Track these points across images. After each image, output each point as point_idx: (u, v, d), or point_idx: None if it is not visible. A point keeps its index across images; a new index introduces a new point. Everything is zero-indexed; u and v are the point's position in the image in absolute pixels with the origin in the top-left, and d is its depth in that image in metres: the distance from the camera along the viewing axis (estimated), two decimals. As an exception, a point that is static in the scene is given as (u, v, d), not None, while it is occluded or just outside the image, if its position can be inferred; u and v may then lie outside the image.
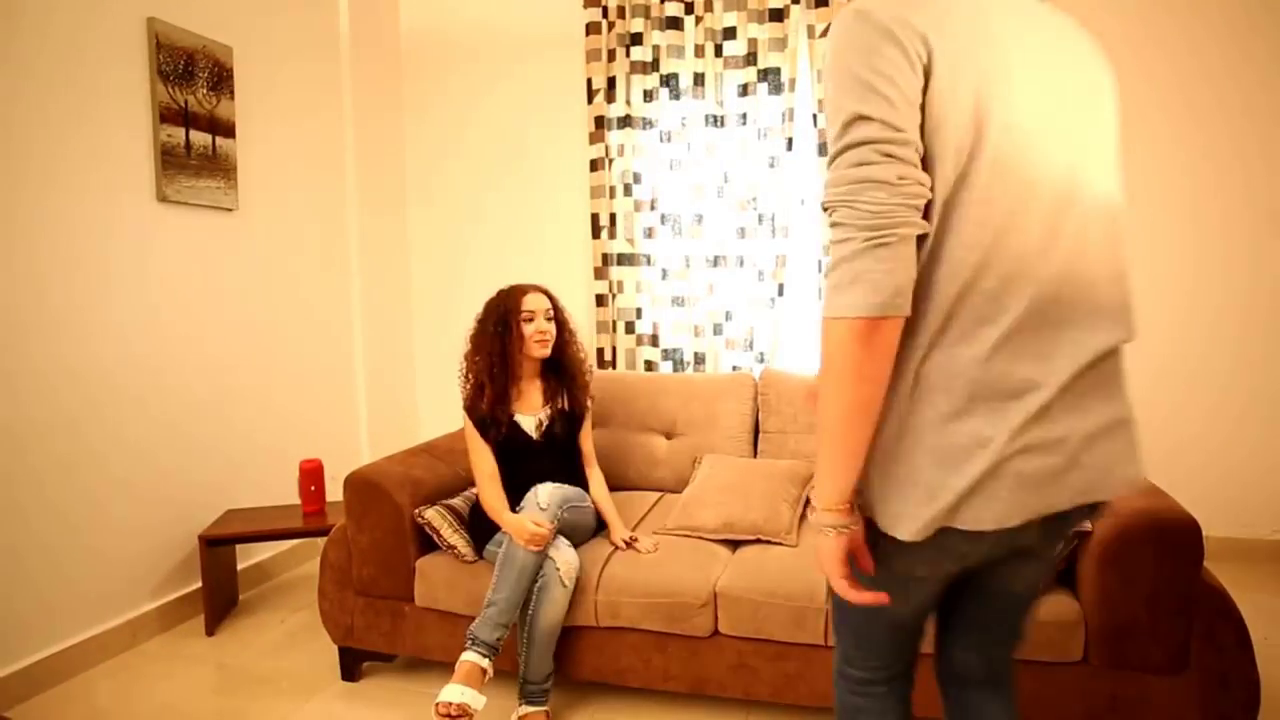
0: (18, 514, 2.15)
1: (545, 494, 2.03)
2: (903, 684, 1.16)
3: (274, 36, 3.02)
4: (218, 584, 2.62)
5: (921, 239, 0.87)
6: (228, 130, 2.78)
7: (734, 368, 3.27)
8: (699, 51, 3.21)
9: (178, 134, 2.58)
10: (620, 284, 3.38)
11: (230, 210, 2.82)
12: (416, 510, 2.15)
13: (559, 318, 2.29)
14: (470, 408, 2.20)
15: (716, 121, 3.21)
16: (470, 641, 1.88)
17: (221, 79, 2.75)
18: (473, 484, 2.30)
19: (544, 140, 3.56)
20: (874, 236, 0.83)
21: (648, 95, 3.28)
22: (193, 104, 2.64)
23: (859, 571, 0.97)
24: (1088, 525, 1.70)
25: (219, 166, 2.74)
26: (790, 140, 3.13)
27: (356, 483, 2.17)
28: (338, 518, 2.41)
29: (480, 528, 2.15)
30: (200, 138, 2.66)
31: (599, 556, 2.08)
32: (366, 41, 3.47)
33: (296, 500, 2.86)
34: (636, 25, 3.25)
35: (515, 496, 2.11)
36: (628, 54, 3.27)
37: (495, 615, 1.89)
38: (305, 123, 3.19)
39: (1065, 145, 0.91)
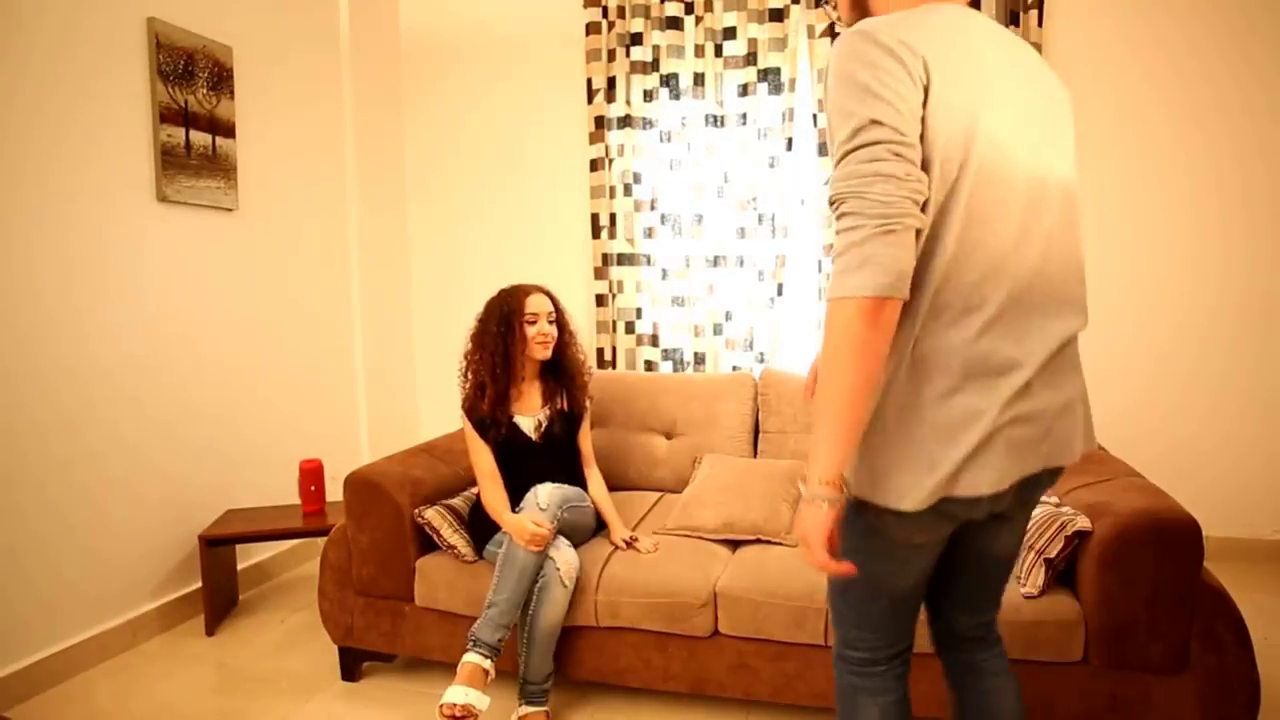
0: (17, 514, 2.15)
1: (545, 494, 2.03)
2: (900, 664, 1.23)
3: (274, 36, 3.02)
4: (218, 584, 2.62)
5: (916, 234, 0.95)
6: (227, 130, 2.77)
7: (734, 368, 3.27)
8: (699, 51, 3.21)
9: (178, 134, 2.58)
10: (620, 284, 3.38)
11: (230, 210, 2.82)
12: (416, 510, 2.15)
13: (560, 319, 2.29)
14: (469, 409, 2.20)
15: (716, 121, 3.21)
16: (472, 643, 1.88)
17: (221, 79, 2.75)
18: (473, 484, 2.30)
19: (544, 140, 3.56)
20: (883, 224, 0.91)
21: (648, 95, 3.28)
22: (193, 104, 2.64)
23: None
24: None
25: (219, 166, 2.74)
26: (790, 140, 3.13)
27: (356, 483, 2.17)
28: (338, 518, 2.42)
29: (480, 528, 2.15)
30: (200, 137, 2.66)
31: (599, 556, 2.08)
32: (366, 41, 3.47)
33: (296, 500, 2.87)
34: (636, 25, 3.25)
35: (515, 497, 2.11)
36: (628, 54, 3.27)
37: (496, 616, 1.90)
38: (305, 123, 3.18)
39: (1034, 157, 1.03)
